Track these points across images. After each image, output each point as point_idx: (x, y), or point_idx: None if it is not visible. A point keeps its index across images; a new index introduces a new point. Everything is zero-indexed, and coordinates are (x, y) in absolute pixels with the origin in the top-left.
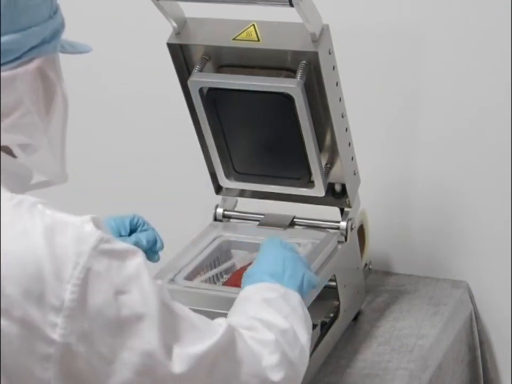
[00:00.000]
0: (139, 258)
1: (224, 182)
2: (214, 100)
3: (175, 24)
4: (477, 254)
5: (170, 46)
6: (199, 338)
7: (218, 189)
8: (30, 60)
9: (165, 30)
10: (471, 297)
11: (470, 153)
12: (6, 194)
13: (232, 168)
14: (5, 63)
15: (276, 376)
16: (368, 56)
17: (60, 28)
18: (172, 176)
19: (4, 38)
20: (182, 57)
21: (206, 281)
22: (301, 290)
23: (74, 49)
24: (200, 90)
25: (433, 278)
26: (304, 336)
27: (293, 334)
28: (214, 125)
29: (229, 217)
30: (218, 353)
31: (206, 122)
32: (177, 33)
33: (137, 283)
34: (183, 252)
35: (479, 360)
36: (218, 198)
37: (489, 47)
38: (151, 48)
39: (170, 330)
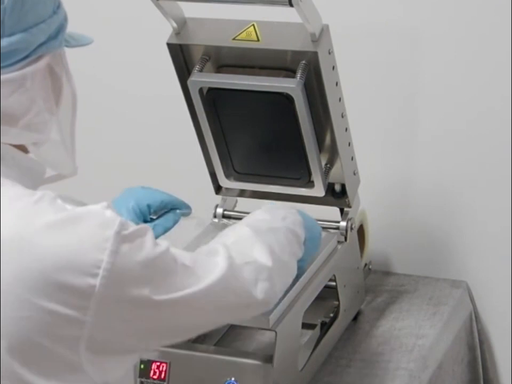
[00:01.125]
0: (150, 232)
1: (224, 182)
2: (214, 99)
3: (175, 24)
4: (476, 254)
5: (170, 46)
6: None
7: (218, 189)
8: (38, 58)
9: (164, 30)
10: (471, 297)
11: (469, 153)
12: (26, 191)
13: (232, 168)
14: (14, 63)
15: (268, 262)
16: (368, 56)
17: (64, 22)
18: (172, 176)
19: (12, 38)
20: (182, 57)
21: None
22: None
23: (77, 42)
24: (200, 90)
25: (433, 278)
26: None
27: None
28: (214, 125)
29: (229, 217)
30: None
31: (206, 122)
32: (177, 33)
33: (156, 254)
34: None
35: (479, 360)
36: (218, 198)
37: (489, 47)
38: (151, 48)
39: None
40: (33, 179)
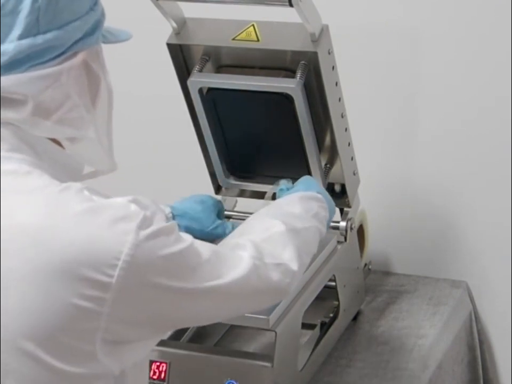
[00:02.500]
0: (176, 228)
1: (224, 182)
2: (214, 99)
3: (174, 24)
4: (476, 254)
5: (170, 46)
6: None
7: (218, 189)
8: (74, 54)
9: (164, 30)
10: (471, 297)
11: (469, 153)
12: (52, 181)
13: (231, 168)
14: (50, 60)
15: (294, 267)
16: (368, 56)
17: (101, 18)
18: (172, 176)
19: (47, 35)
20: (182, 57)
21: None
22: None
23: (116, 38)
24: (200, 90)
25: (432, 278)
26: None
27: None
28: (214, 124)
29: (229, 217)
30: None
31: (206, 122)
32: (176, 33)
33: (179, 250)
34: None
35: (479, 359)
36: (218, 198)
37: (488, 47)
38: (151, 48)
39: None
40: (70, 175)
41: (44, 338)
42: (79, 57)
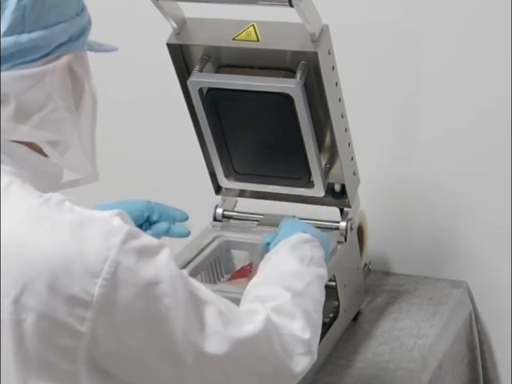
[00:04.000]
0: (166, 251)
1: (224, 182)
2: (214, 100)
3: (174, 25)
4: (476, 254)
5: (170, 46)
6: (227, 324)
7: (218, 189)
8: (59, 57)
9: (164, 30)
10: (471, 297)
11: (469, 154)
12: (34, 193)
13: (231, 168)
14: (34, 60)
15: (306, 335)
16: (368, 56)
17: (87, 25)
18: (172, 176)
19: (32, 35)
20: (182, 58)
21: (206, 281)
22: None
23: (101, 47)
24: (200, 90)
25: (432, 278)
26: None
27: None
28: (214, 125)
29: (229, 217)
30: (251, 343)
31: (206, 122)
32: (176, 33)
33: (165, 275)
34: (183, 251)
35: (479, 359)
36: (218, 198)
37: (488, 47)
38: (151, 49)
39: (198, 318)
40: (49, 183)
41: (21, 354)
42: (64, 60)
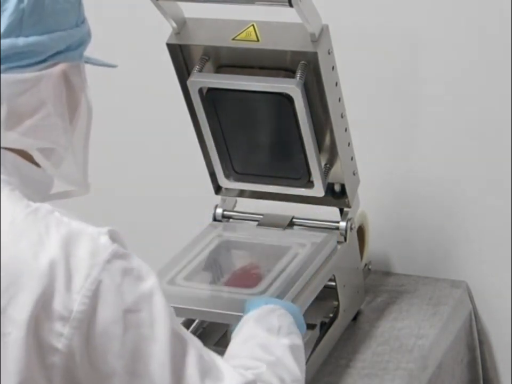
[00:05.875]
0: (153, 279)
1: (224, 182)
2: (214, 100)
3: (174, 24)
4: (476, 254)
5: (170, 46)
6: (206, 373)
7: (217, 189)
8: (55, 64)
9: (164, 30)
10: (471, 297)
11: (469, 154)
12: (22, 202)
13: (231, 168)
14: (30, 65)
15: None
16: (368, 56)
17: (87, 37)
18: (172, 176)
19: (29, 39)
20: (182, 58)
21: (205, 281)
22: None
23: (99, 61)
24: (200, 90)
25: (432, 278)
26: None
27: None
28: (214, 125)
29: (229, 217)
30: None
31: (206, 122)
32: (176, 33)
33: (149, 304)
34: (182, 252)
35: (479, 360)
36: (218, 198)
37: (488, 50)
38: (151, 49)
39: (179, 359)
40: (39, 192)
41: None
42: (60, 68)
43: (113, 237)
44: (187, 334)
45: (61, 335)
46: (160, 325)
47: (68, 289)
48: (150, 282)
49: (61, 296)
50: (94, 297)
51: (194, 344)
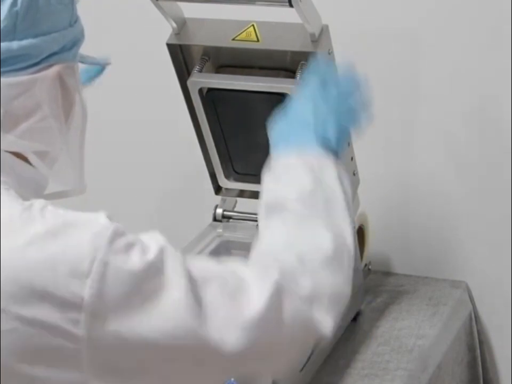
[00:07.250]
0: (159, 244)
1: (224, 182)
2: (214, 100)
3: (174, 25)
4: (476, 254)
5: (170, 46)
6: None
7: (217, 189)
8: (50, 66)
9: (164, 30)
10: (471, 297)
11: (469, 154)
12: (17, 200)
13: (231, 169)
14: (25, 68)
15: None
16: (368, 56)
17: (80, 37)
18: (171, 177)
19: (23, 42)
20: (182, 58)
21: None
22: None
23: (93, 60)
24: (200, 90)
25: (432, 278)
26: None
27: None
28: (214, 125)
29: (229, 217)
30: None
31: (206, 122)
32: (176, 33)
33: (159, 271)
34: (182, 252)
35: (479, 360)
36: (218, 198)
37: (489, 49)
38: (151, 49)
39: (198, 304)
40: (35, 192)
41: (32, 362)
42: (54, 70)
43: (111, 218)
44: (202, 270)
45: (78, 322)
46: (175, 286)
47: (75, 276)
48: (156, 249)
49: (68, 284)
50: (103, 279)
51: (213, 275)
